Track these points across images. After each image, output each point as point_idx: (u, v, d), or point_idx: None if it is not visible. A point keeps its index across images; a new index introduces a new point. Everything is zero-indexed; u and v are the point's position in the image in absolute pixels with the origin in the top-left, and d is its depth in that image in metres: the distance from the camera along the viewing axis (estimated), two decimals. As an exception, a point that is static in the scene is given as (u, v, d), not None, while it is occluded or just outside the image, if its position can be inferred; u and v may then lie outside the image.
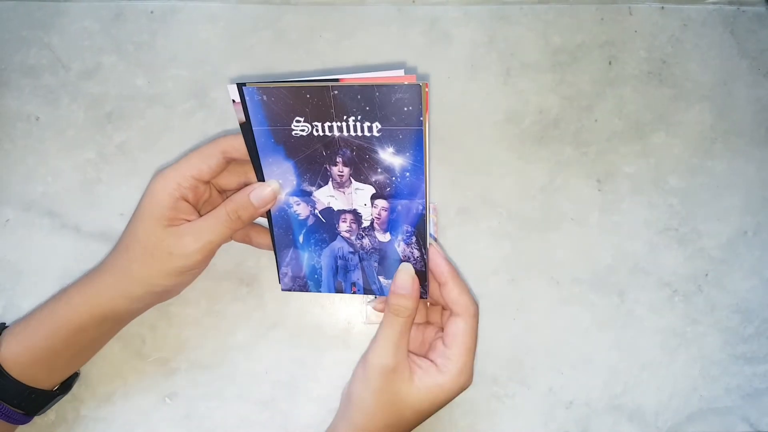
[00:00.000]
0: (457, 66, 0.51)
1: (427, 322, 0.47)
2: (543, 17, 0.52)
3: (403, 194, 0.43)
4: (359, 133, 0.41)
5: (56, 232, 0.50)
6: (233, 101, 0.41)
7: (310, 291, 0.46)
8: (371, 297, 0.49)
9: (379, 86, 0.39)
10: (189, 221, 0.42)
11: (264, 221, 0.48)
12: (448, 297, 0.43)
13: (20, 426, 0.44)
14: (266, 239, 0.46)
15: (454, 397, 0.42)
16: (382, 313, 0.49)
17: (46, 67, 0.51)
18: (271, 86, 0.40)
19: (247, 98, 0.40)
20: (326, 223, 0.44)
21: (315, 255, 0.45)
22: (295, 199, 0.44)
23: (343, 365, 0.49)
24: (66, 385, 0.45)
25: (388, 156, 0.42)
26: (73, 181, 0.50)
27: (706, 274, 0.51)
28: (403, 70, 0.41)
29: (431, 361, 0.43)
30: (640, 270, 0.50)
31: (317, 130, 0.41)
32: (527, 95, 0.51)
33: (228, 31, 0.51)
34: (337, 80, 0.40)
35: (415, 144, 0.41)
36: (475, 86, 0.51)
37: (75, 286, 0.43)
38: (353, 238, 0.44)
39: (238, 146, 0.42)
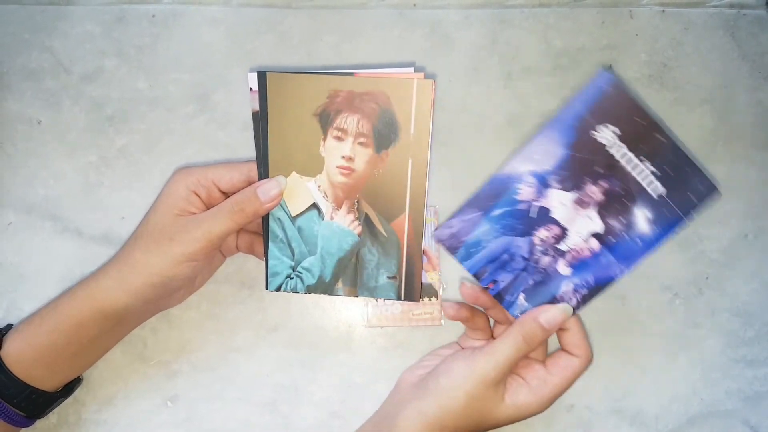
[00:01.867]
0: (458, 69, 0.51)
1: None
2: (544, 20, 0.52)
3: (618, 253, 0.42)
4: (644, 183, 0.41)
5: (58, 235, 0.50)
6: (251, 89, 0.42)
7: (455, 256, 0.44)
8: (372, 300, 0.49)
9: (695, 163, 0.41)
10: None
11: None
12: (571, 340, 0.43)
13: (21, 429, 0.44)
14: None
15: (525, 419, 0.43)
16: (384, 317, 0.49)
17: (47, 70, 0.51)
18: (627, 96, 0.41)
19: (599, 83, 0.41)
20: (531, 218, 0.43)
21: (493, 233, 0.43)
22: (532, 180, 0.43)
23: (344, 368, 0.49)
24: (68, 389, 0.45)
25: (642, 218, 0.42)
26: (75, 185, 0.50)
27: (707, 278, 0.51)
28: (412, 69, 0.42)
29: (523, 378, 0.43)
30: (640, 273, 0.50)
31: (619, 150, 0.41)
32: (528, 98, 0.51)
33: (229, 35, 0.52)
34: (351, 74, 0.42)
35: (670, 228, 0.42)
36: (476, 89, 0.51)
37: (80, 283, 0.44)
38: (539, 248, 0.43)
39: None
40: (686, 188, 0.41)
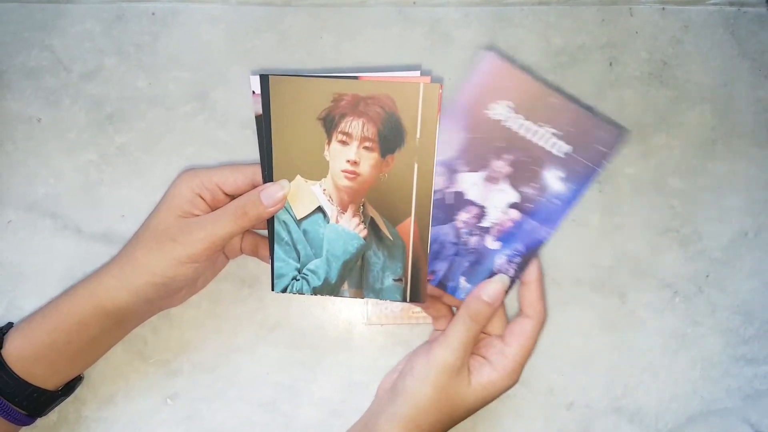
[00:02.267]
0: (458, 67, 0.51)
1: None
2: (544, 18, 0.52)
3: (539, 217, 0.43)
4: (547, 146, 0.42)
5: (58, 233, 0.50)
6: (253, 92, 0.42)
7: None
8: (372, 300, 0.49)
9: (594, 114, 0.42)
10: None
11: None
12: (526, 297, 0.44)
13: (21, 428, 0.44)
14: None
15: (499, 396, 0.43)
16: (384, 315, 0.49)
17: (47, 68, 0.51)
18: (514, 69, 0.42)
19: (483, 64, 0.42)
20: (449, 205, 0.44)
21: None
22: (440, 169, 0.44)
23: (344, 367, 0.50)
24: (69, 387, 0.45)
25: (554, 179, 0.43)
26: (75, 183, 0.50)
27: (707, 276, 0.51)
28: (419, 72, 0.42)
29: (483, 357, 0.43)
30: (641, 271, 0.50)
31: (516, 121, 0.42)
32: (528, 97, 0.51)
33: (229, 33, 0.51)
34: (356, 77, 0.42)
35: (585, 180, 0.43)
36: (476, 88, 0.51)
37: (81, 282, 0.44)
38: (464, 230, 0.44)
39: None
40: (591, 140, 0.42)
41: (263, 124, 0.43)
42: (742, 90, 0.52)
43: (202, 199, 0.43)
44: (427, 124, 0.42)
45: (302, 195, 0.44)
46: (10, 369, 0.41)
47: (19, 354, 0.42)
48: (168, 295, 0.45)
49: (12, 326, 0.44)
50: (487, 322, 0.43)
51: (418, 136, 0.43)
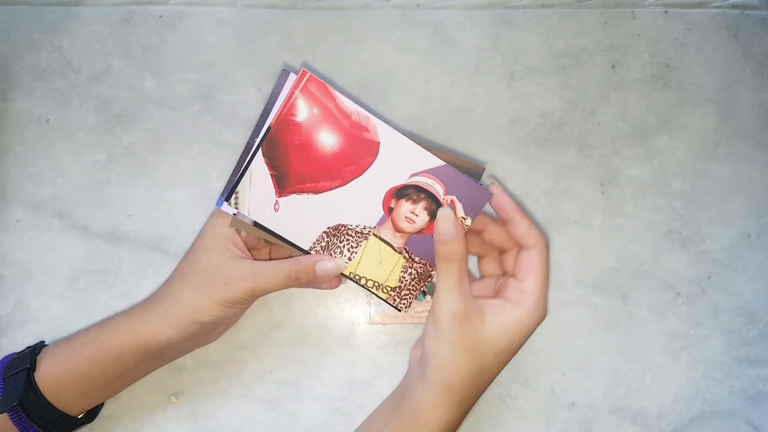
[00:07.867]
0: (461, 70, 0.52)
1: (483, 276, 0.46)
2: (547, 21, 0.52)
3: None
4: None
5: (65, 232, 0.51)
6: None
7: None
8: (375, 298, 0.49)
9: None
10: (246, 258, 0.43)
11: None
12: (517, 231, 0.42)
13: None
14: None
15: (532, 332, 0.41)
16: (386, 315, 0.49)
17: (56, 70, 0.52)
18: None
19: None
20: None
21: None
22: None
23: (347, 365, 0.50)
24: (91, 414, 0.46)
25: None
26: (83, 183, 0.51)
27: (710, 277, 0.51)
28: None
29: (504, 298, 0.42)
30: (643, 273, 0.51)
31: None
32: (531, 99, 0.52)
33: (235, 35, 0.52)
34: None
35: None
36: (479, 90, 0.52)
37: (123, 314, 0.44)
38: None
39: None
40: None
41: None
42: (744, 92, 0.52)
43: (237, 234, 0.44)
44: None
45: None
46: (42, 394, 0.41)
47: (53, 380, 0.42)
48: (209, 331, 0.45)
49: (44, 345, 0.45)
50: (465, 254, 0.41)
51: None
